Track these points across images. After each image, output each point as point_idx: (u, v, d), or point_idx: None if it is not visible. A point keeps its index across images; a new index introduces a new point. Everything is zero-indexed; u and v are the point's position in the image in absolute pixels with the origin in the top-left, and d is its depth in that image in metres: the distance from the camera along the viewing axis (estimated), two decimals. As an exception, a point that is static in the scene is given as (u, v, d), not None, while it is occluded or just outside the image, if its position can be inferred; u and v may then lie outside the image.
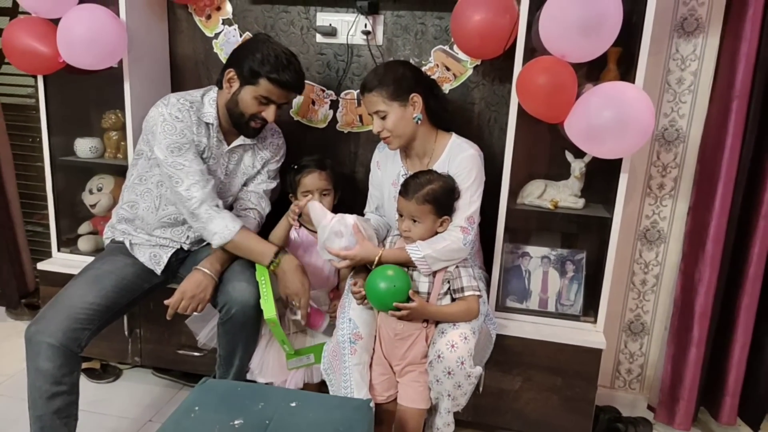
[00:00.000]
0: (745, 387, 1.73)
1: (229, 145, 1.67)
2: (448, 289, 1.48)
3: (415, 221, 1.47)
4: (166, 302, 1.54)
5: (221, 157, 1.66)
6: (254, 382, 1.65)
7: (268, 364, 1.65)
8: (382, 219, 1.74)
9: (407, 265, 1.47)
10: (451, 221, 1.49)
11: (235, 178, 1.72)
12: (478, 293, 1.46)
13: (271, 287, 1.54)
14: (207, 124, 1.62)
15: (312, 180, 1.70)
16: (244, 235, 1.55)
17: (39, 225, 2.52)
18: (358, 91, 1.92)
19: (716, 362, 1.77)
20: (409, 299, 1.40)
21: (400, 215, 1.50)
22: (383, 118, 1.52)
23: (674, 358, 1.78)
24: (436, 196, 1.45)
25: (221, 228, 1.54)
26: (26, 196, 2.50)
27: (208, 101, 1.62)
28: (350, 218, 1.51)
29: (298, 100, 1.96)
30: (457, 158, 1.54)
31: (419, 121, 1.54)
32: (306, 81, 1.93)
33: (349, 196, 1.96)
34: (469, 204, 1.50)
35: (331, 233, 1.48)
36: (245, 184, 1.75)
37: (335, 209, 1.76)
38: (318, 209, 1.53)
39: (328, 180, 1.72)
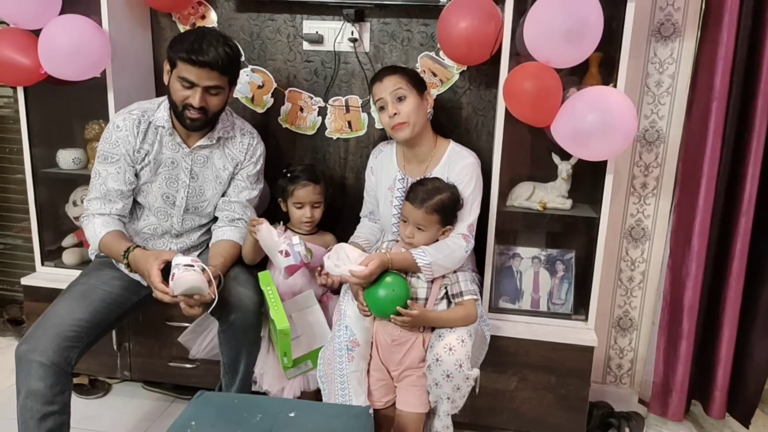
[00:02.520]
0: (734, 382, 1.77)
1: (190, 146, 1.63)
2: (445, 293, 1.50)
3: (419, 229, 1.48)
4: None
5: (182, 161, 1.63)
6: (258, 392, 1.65)
7: (268, 372, 1.65)
8: (374, 225, 1.75)
9: (409, 270, 1.48)
10: (453, 231, 1.51)
11: (206, 182, 1.66)
12: (476, 297, 1.48)
13: (278, 295, 1.53)
14: (158, 127, 1.60)
15: (306, 193, 1.71)
16: (107, 239, 1.55)
17: (18, 237, 2.46)
18: (347, 97, 1.93)
19: (705, 356, 1.82)
20: (406, 308, 1.41)
21: (404, 221, 1.51)
22: (401, 99, 1.53)
23: (665, 351, 1.82)
24: (445, 207, 1.47)
25: (92, 234, 1.58)
26: (2, 209, 2.43)
27: (164, 105, 1.61)
28: (295, 238, 1.54)
29: (286, 108, 1.96)
30: (457, 166, 1.56)
31: (431, 117, 1.59)
32: (293, 88, 1.95)
33: (339, 201, 1.97)
34: (470, 212, 1.53)
35: (278, 254, 1.50)
36: (224, 194, 1.70)
37: (325, 216, 1.78)
38: (266, 233, 1.53)
39: (321, 193, 1.74)
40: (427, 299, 1.48)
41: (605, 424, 1.82)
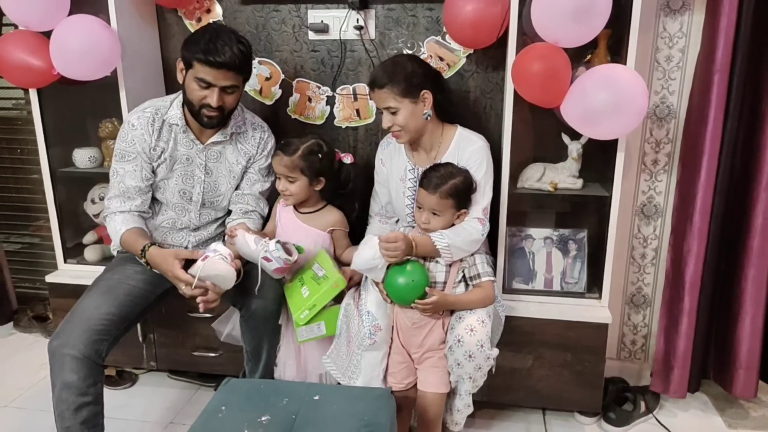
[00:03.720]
0: (765, 358, 1.74)
1: (204, 143, 1.66)
2: (463, 276, 1.52)
3: (435, 214, 1.50)
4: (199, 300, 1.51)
5: (196, 157, 1.66)
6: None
7: (290, 362, 1.69)
8: (385, 226, 1.75)
9: (428, 254, 1.49)
10: (468, 214, 1.53)
11: (220, 177, 1.70)
12: (493, 279, 1.51)
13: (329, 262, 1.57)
14: (172, 125, 1.63)
15: (275, 164, 1.64)
16: (126, 235, 1.59)
17: (36, 236, 2.52)
18: (354, 85, 1.94)
19: (719, 335, 1.81)
20: (425, 295, 1.44)
21: (419, 207, 1.53)
22: (394, 113, 1.53)
23: (666, 329, 1.81)
24: (458, 191, 1.49)
25: (113, 231, 1.62)
26: (19, 209, 2.48)
27: (176, 103, 1.63)
28: (272, 243, 1.51)
29: (294, 98, 1.98)
30: (467, 151, 1.57)
31: (429, 117, 1.56)
32: (301, 78, 1.96)
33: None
34: (483, 196, 1.55)
35: (261, 260, 1.49)
36: (238, 187, 1.74)
37: (323, 196, 1.71)
38: (241, 242, 1.51)
39: (291, 167, 1.59)
40: (445, 283, 1.51)
41: (621, 398, 1.86)
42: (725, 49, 1.57)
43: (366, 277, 1.63)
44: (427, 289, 1.44)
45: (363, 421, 1.24)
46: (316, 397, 1.32)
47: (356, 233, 1.76)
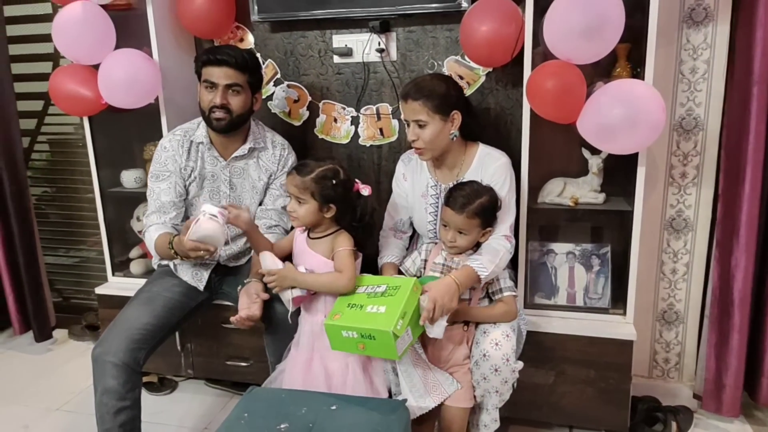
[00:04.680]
0: None
1: (227, 159, 1.77)
2: (487, 291, 1.54)
3: (461, 233, 1.52)
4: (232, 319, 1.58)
5: (221, 173, 1.78)
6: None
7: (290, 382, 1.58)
8: (400, 242, 1.75)
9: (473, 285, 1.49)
10: (494, 231, 1.55)
11: (244, 192, 1.80)
12: (515, 294, 1.52)
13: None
14: (199, 144, 1.76)
15: (288, 182, 1.53)
16: (158, 241, 1.67)
17: (91, 251, 2.71)
18: (378, 105, 2.01)
19: (754, 346, 1.76)
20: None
21: (444, 225, 1.54)
22: (421, 126, 1.54)
23: (717, 346, 1.77)
24: (485, 210, 1.51)
25: (149, 240, 1.71)
26: (75, 225, 2.69)
27: (202, 124, 1.76)
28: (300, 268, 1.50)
29: (321, 119, 2.07)
30: (490, 168, 1.59)
31: (455, 138, 1.59)
32: (327, 100, 2.05)
33: (374, 204, 2.04)
34: (508, 213, 1.57)
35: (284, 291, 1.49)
36: (261, 203, 1.83)
37: (338, 224, 1.55)
38: (269, 261, 1.51)
39: (302, 188, 1.49)
40: (470, 299, 1.53)
41: (651, 418, 1.80)
42: (763, 60, 1.56)
43: None
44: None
45: (376, 431, 1.28)
46: (334, 407, 1.37)
47: (372, 269, 1.71)
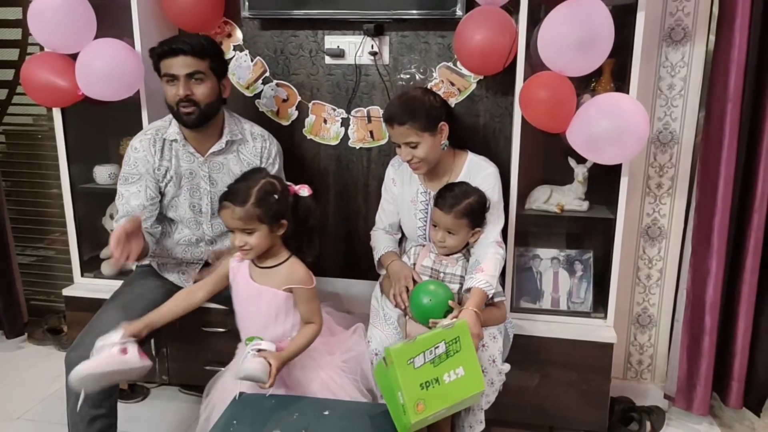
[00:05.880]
0: (749, 373, 1.82)
1: (204, 155, 1.70)
2: None
3: (450, 233, 1.54)
4: None
5: (199, 170, 1.70)
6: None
7: None
8: (392, 237, 1.78)
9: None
10: (482, 233, 1.58)
11: (225, 186, 1.72)
12: (504, 298, 1.55)
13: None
14: (172, 142, 1.68)
15: (226, 217, 1.34)
16: None
17: (51, 249, 2.56)
18: (368, 108, 2.01)
19: (723, 350, 1.86)
20: (449, 310, 1.45)
21: (434, 225, 1.57)
22: (414, 147, 1.56)
23: (689, 348, 1.86)
24: (473, 210, 1.53)
25: None
26: (35, 222, 2.54)
27: (174, 121, 1.68)
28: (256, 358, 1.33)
29: (310, 120, 2.05)
30: (478, 176, 1.63)
31: (446, 147, 1.61)
32: (317, 100, 2.03)
33: (363, 208, 2.06)
34: (498, 220, 1.60)
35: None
36: None
37: (290, 242, 1.40)
38: (260, 369, 1.32)
39: (246, 218, 1.30)
40: (460, 303, 1.54)
41: (627, 418, 1.88)
42: (737, 79, 1.65)
43: (377, 309, 1.66)
44: (450, 302, 1.46)
45: (370, 436, 1.27)
46: (326, 412, 1.35)
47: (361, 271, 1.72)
